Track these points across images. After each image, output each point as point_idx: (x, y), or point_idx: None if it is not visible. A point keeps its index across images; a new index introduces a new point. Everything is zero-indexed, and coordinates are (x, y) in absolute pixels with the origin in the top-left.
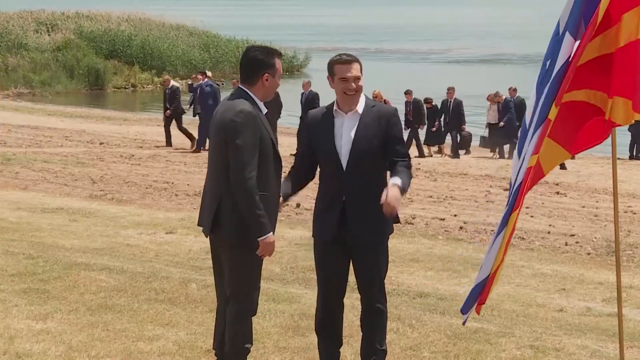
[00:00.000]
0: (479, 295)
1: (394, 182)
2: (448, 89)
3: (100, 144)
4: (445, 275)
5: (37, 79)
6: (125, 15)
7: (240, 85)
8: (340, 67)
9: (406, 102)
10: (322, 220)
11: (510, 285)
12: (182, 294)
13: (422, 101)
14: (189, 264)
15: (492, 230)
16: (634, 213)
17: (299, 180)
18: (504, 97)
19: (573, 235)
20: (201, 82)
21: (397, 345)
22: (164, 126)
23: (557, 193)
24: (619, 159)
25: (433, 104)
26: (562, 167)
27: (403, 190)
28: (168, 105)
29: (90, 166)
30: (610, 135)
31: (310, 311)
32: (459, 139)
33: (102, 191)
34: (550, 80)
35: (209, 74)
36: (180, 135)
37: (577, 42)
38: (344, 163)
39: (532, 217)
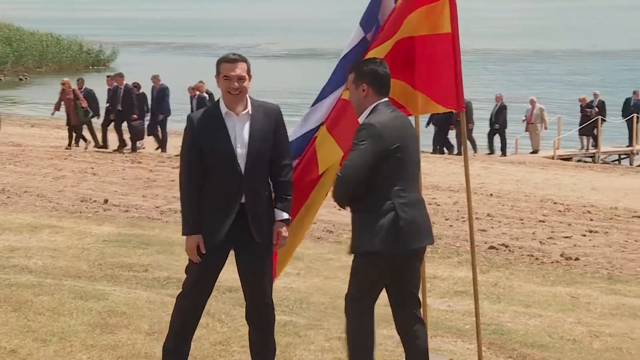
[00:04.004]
0: None
1: (282, 217)
2: (152, 77)
3: None
4: None
5: None
6: None
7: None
8: (225, 65)
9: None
10: (215, 223)
11: (318, 278)
12: None
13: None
14: None
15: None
16: (438, 205)
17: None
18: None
19: None
20: None
21: (206, 340)
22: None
23: None
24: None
25: (141, 91)
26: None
27: (288, 221)
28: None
29: None
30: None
31: (119, 308)
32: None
33: None
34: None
35: None
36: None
37: (365, 36)
38: (242, 165)
39: (339, 210)
